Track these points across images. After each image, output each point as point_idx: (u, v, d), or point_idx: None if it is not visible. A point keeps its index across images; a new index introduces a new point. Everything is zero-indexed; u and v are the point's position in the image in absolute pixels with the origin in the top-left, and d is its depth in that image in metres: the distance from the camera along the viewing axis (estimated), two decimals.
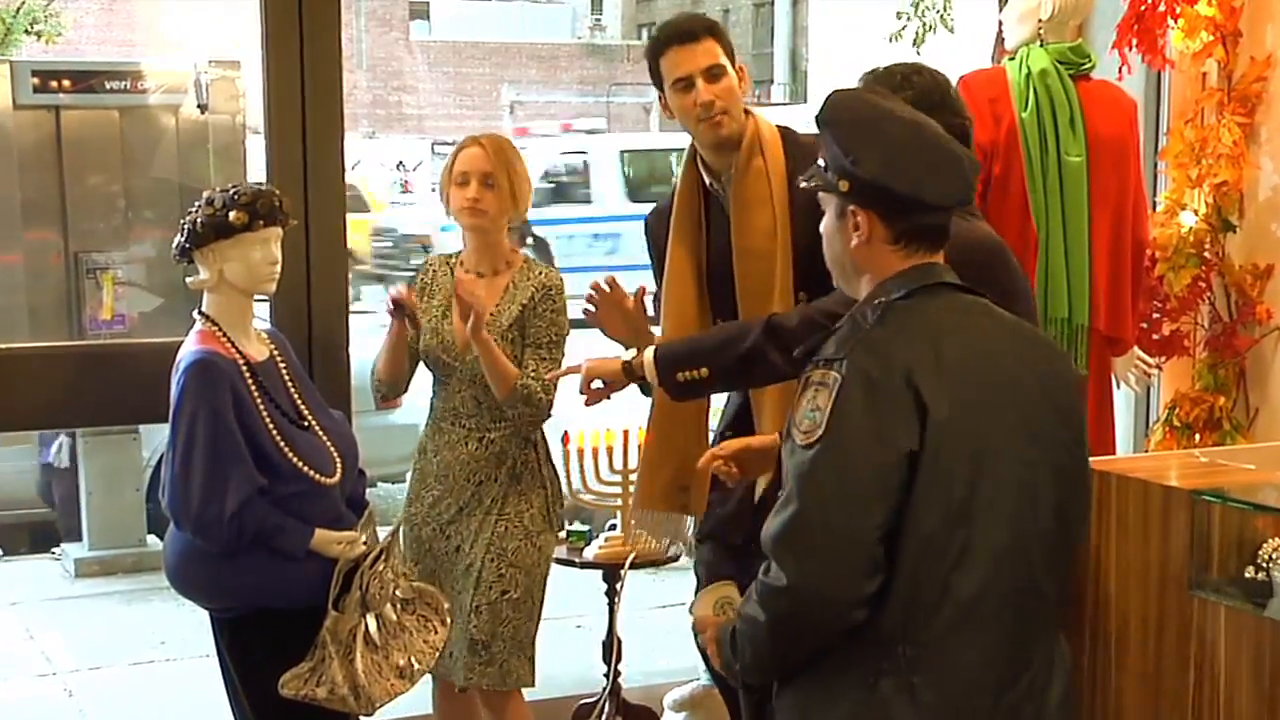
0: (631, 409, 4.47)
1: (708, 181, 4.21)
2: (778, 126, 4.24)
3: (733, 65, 4.11)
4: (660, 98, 4.18)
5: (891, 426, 2.72)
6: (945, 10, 6.46)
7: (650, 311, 4.19)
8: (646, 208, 4.62)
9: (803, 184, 3.04)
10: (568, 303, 4.50)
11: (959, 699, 2.79)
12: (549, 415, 4.49)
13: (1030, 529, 2.84)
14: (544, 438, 4.63)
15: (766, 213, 4.08)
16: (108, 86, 8.44)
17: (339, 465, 4.10)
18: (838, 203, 2.94)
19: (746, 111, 4.16)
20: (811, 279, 3.77)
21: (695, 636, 3.70)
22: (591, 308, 4.04)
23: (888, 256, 2.91)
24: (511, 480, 4.52)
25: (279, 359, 4.14)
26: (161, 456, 4.84)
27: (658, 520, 4.35)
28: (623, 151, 20.35)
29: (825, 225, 3.00)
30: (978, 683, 2.80)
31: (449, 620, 4.24)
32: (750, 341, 3.72)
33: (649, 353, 3.82)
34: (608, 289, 4.03)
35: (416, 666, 4.13)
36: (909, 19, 6.35)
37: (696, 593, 3.94)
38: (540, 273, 4.54)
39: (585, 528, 5.40)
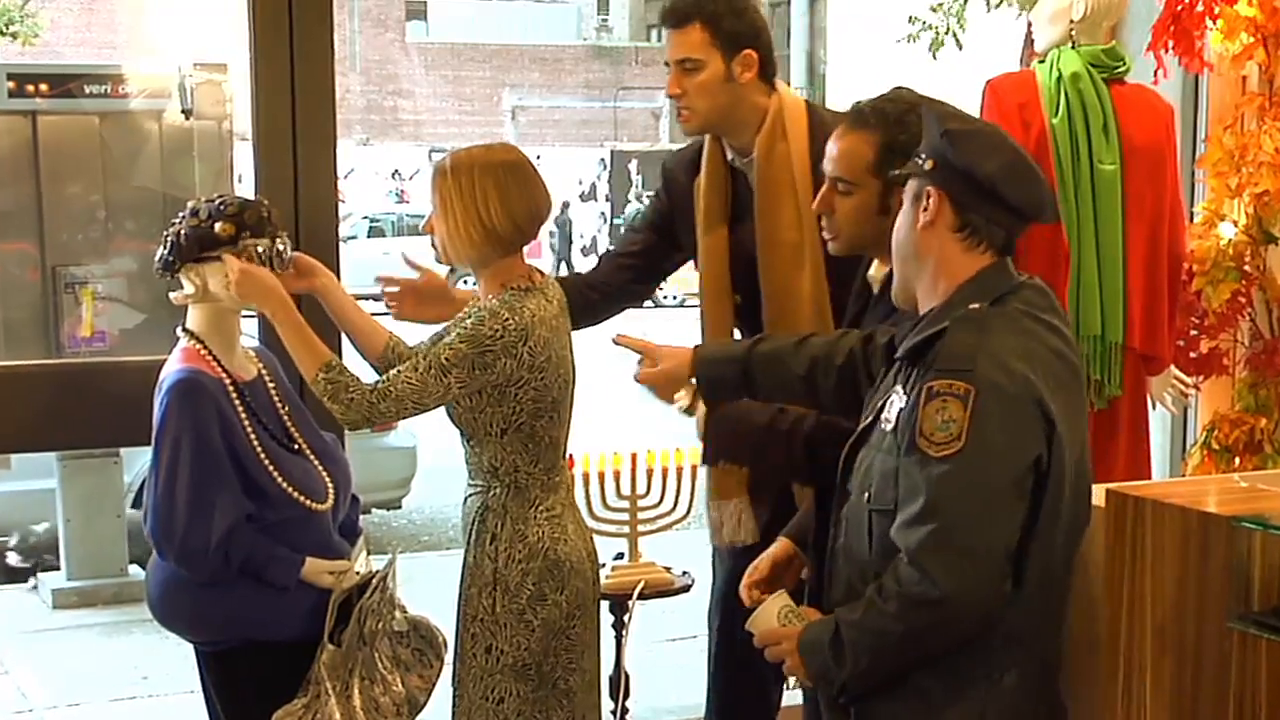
0: (639, 432, 4.49)
1: (729, 156, 4.30)
2: (805, 103, 4.32)
3: (730, 52, 4.17)
4: None
5: (1023, 437, 2.95)
6: (960, 17, 6.49)
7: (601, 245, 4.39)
8: None
9: (893, 174, 3.24)
10: (487, 332, 3.87)
11: (1053, 676, 3.16)
12: (369, 423, 3.91)
13: (1086, 519, 3.19)
14: (517, 497, 4.04)
15: (791, 202, 4.14)
16: (87, 90, 8.49)
17: (331, 490, 4.10)
18: (917, 184, 3.14)
19: (773, 87, 4.30)
20: (841, 268, 3.83)
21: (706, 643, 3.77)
22: (393, 303, 4.37)
23: (947, 244, 3.12)
24: (468, 552, 4.09)
25: (268, 378, 4.15)
26: (144, 481, 4.85)
27: (738, 509, 4.47)
28: None
29: (901, 214, 3.20)
30: (1060, 656, 3.20)
31: (444, 654, 4.25)
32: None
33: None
34: (396, 285, 4.38)
35: (413, 703, 4.14)
36: (924, 25, 6.38)
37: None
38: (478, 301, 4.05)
39: None
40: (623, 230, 5.36)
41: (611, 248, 4.68)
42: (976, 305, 3.04)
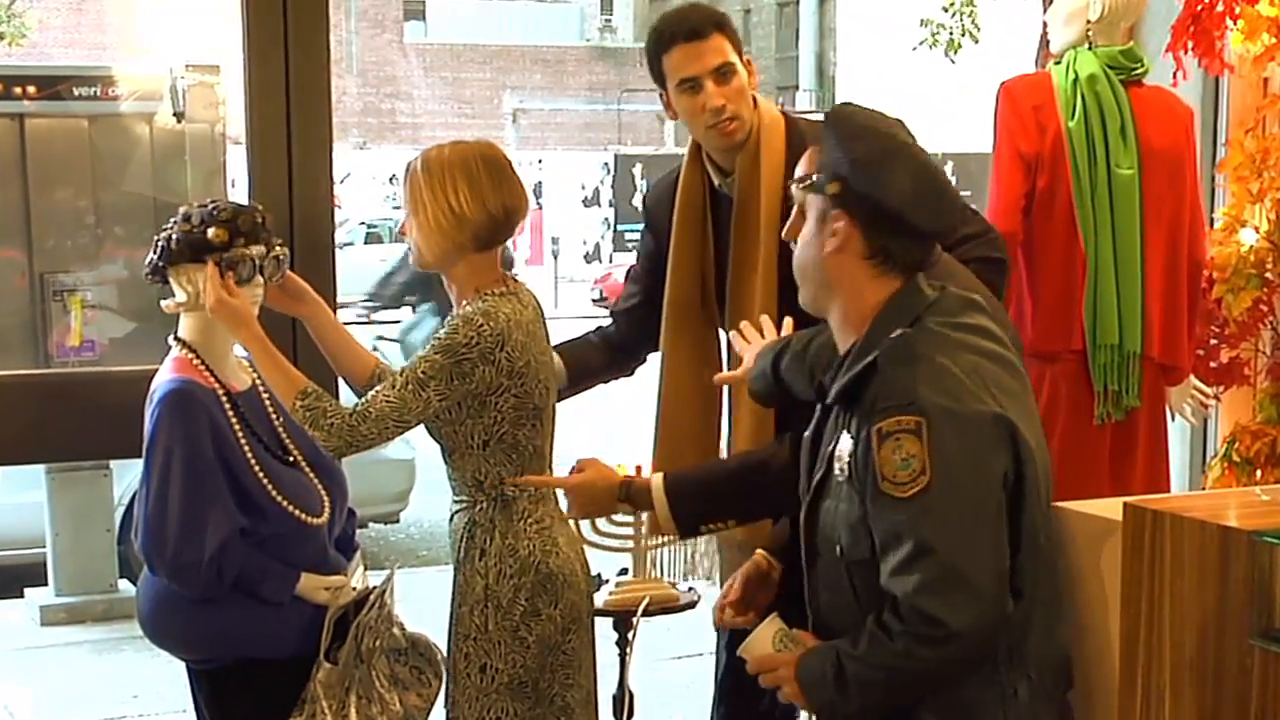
0: (643, 442, 4.49)
1: (716, 182, 4.27)
2: (783, 114, 4.28)
3: (741, 60, 4.15)
4: (662, 95, 4.22)
5: (986, 455, 2.94)
6: (971, 16, 6.53)
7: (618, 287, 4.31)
8: None
9: (793, 187, 3.16)
10: (462, 340, 3.85)
11: (1059, 680, 3.17)
12: (352, 448, 3.88)
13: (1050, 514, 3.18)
14: (504, 510, 4.04)
15: (759, 220, 4.12)
16: (76, 93, 8.48)
17: (326, 504, 4.10)
18: (821, 206, 3.10)
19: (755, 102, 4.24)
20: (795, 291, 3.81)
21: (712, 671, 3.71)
22: None
23: (857, 271, 3.09)
24: (458, 570, 4.08)
25: (262, 388, 4.15)
26: (134, 495, 4.85)
27: (678, 551, 4.44)
28: None
29: (804, 231, 3.15)
30: (1066, 655, 3.20)
31: (443, 672, 4.24)
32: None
33: (658, 486, 3.81)
34: None
35: None
36: (939, 27, 6.42)
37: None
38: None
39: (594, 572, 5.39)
40: (624, 284, 5.38)
41: (613, 305, 4.62)
42: (899, 332, 3.02)
